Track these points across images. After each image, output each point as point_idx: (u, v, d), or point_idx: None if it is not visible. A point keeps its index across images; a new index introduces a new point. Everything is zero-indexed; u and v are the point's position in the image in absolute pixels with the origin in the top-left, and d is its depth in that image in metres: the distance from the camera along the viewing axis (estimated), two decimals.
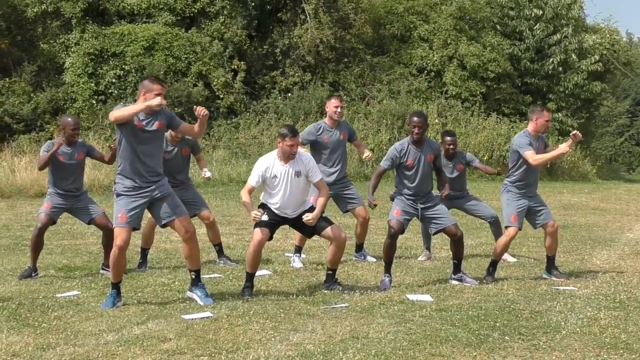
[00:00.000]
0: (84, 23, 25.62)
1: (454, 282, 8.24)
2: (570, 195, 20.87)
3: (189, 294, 7.25)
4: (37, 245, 8.54)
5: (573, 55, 30.38)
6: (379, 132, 24.55)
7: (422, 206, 8.19)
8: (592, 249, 11.05)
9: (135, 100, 7.21)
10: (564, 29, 30.53)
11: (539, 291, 7.90)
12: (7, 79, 24.99)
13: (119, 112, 6.84)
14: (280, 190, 7.53)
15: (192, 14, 26.88)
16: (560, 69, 30.30)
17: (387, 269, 8.11)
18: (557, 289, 8.02)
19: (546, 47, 30.61)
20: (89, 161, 9.29)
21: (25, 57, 26.06)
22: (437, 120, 25.25)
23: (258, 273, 7.89)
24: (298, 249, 9.44)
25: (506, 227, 8.59)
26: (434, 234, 8.71)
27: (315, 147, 9.39)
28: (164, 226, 7.23)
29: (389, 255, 8.11)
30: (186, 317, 6.53)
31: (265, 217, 7.50)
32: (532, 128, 8.55)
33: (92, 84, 24.84)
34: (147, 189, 6.96)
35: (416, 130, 8.07)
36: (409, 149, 8.14)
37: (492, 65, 28.56)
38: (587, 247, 11.29)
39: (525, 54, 30.43)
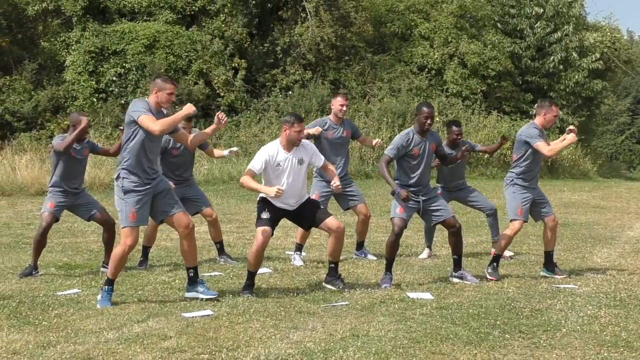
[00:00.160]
0: (84, 21, 25.60)
1: (455, 280, 8.24)
2: (570, 193, 20.87)
3: (188, 294, 7.23)
4: (40, 244, 8.56)
5: (574, 54, 30.36)
6: (380, 130, 24.52)
7: (423, 198, 8.18)
8: (592, 247, 11.05)
9: (142, 95, 7.22)
10: (565, 27, 30.51)
11: (539, 289, 7.90)
12: (7, 77, 24.98)
13: (164, 124, 6.83)
14: (284, 179, 7.54)
15: (192, 12, 26.87)
16: (561, 67, 30.28)
17: (389, 267, 8.10)
18: (558, 287, 8.03)
19: (547, 45, 30.59)
20: (90, 159, 9.31)
21: (26, 55, 26.04)
22: (437, 119, 25.21)
23: (259, 271, 7.89)
24: (299, 247, 9.45)
25: (511, 221, 8.56)
26: (433, 225, 8.71)
27: (319, 144, 9.39)
28: (160, 222, 7.23)
29: (391, 253, 8.11)
30: (186, 315, 6.53)
31: (266, 215, 7.50)
32: (539, 122, 8.54)
33: (93, 82, 24.82)
34: (149, 186, 6.99)
35: (429, 120, 8.10)
36: (414, 138, 8.14)
37: (492, 64, 28.54)
38: (588, 245, 11.29)
39: (526, 52, 30.41)
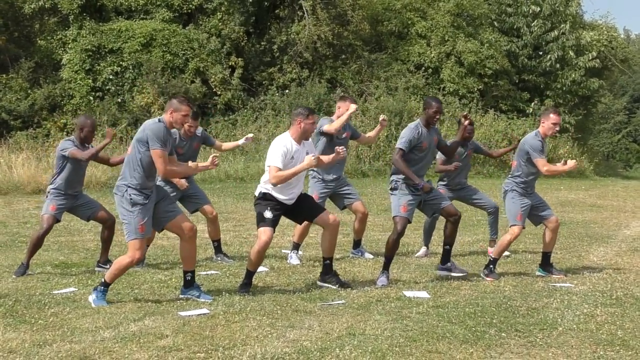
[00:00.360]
0: (81, 19, 25.58)
1: (441, 272, 8.23)
2: (567, 192, 20.88)
3: (182, 296, 7.22)
4: (38, 245, 8.57)
5: (570, 52, 30.39)
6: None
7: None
8: (589, 246, 11.06)
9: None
10: (562, 26, 30.54)
11: (535, 288, 7.90)
12: (4, 76, 24.96)
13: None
14: None
15: (189, 11, 26.86)
16: (558, 65, 30.32)
17: (387, 266, 8.09)
18: (554, 285, 8.03)
19: (544, 43, 30.63)
20: None
21: (23, 53, 26.01)
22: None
23: None
24: (296, 246, 9.45)
25: (511, 226, 8.54)
26: (433, 215, 8.70)
27: (320, 143, 9.37)
28: (161, 230, 7.23)
29: (391, 252, 8.09)
30: (183, 314, 6.53)
31: (269, 215, 7.48)
32: (542, 131, 8.55)
33: (90, 81, 24.81)
34: (152, 197, 7.01)
35: (438, 115, 8.15)
36: (422, 131, 8.15)
37: (489, 62, 28.56)
38: (584, 243, 11.29)
39: (523, 51, 30.44)
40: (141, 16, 26.47)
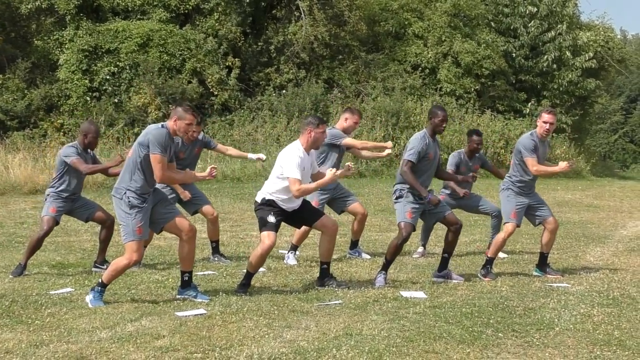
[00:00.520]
0: (78, 20, 25.54)
1: (437, 279, 8.21)
2: (564, 192, 20.90)
3: (179, 296, 7.21)
4: (37, 247, 8.57)
5: (567, 53, 30.42)
6: (373, 129, 24.52)
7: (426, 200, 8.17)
8: (585, 246, 11.07)
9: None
10: (559, 26, 30.57)
11: (532, 288, 7.91)
12: (1, 76, 24.89)
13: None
14: (303, 180, 7.52)
15: (186, 11, 26.83)
16: (555, 66, 30.34)
17: (386, 267, 8.08)
18: (551, 285, 8.04)
19: (540, 44, 30.65)
20: None
21: (19, 53, 25.96)
22: None
23: None
24: (294, 247, 9.45)
25: (504, 224, 8.59)
26: (433, 223, 8.69)
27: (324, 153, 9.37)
28: (160, 231, 7.23)
29: (393, 256, 8.07)
30: (180, 314, 6.53)
31: (273, 219, 7.48)
32: (538, 131, 8.56)
33: (86, 81, 24.77)
34: (150, 199, 7.00)
35: (444, 124, 8.13)
36: (429, 141, 8.14)
37: (486, 62, 28.58)
38: (581, 244, 11.31)
39: (520, 51, 30.45)
40: (138, 16, 26.43)
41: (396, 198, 8.13)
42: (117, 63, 25.00)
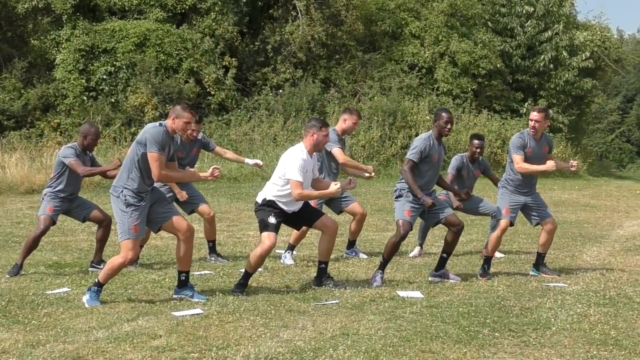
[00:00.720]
0: (74, 19, 25.50)
1: (434, 279, 8.21)
2: (561, 192, 20.92)
3: (176, 296, 7.20)
4: (33, 246, 8.57)
5: (564, 52, 30.44)
6: (370, 129, 24.52)
7: None
8: (582, 246, 11.08)
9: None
10: (555, 26, 30.58)
11: (529, 288, 7.92)
12: None
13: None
14: (304, 182, 7.53)
15: (183, 10, 26.79)
16: (551, 65, 30.35)
17: (383, 267, 8.09)
18: (547, 285, 8.05)
19: (537, 44, 30.66)
20: None
21: (16, 53, 25.91)
22: (428, 117, 25.26)
23: None
24: (291, 247, 9.45)
25: (498, 220, 8.63)
26: (434, 224, 8.71)
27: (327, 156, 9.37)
28: (158, 230, 7.22)
29: (390, 254, 8.09)
30: (176, 314, 6.52)
31: (274, 220, 7.48)
32: (529, 128, 8.57)
33: (83, 81, 24.72)
34: (147, 198, 7.00)
35: (449, 125, 8.11)
36: (433, 143, 8.13)
37: (483, 62, 28.58)
38: (578, 243, 11.32)
39: (517, 51, 30.47)
40: (135, 16, 26.40)
41: (396, 197, 8.14)
42: (114, 63, 24.96)
